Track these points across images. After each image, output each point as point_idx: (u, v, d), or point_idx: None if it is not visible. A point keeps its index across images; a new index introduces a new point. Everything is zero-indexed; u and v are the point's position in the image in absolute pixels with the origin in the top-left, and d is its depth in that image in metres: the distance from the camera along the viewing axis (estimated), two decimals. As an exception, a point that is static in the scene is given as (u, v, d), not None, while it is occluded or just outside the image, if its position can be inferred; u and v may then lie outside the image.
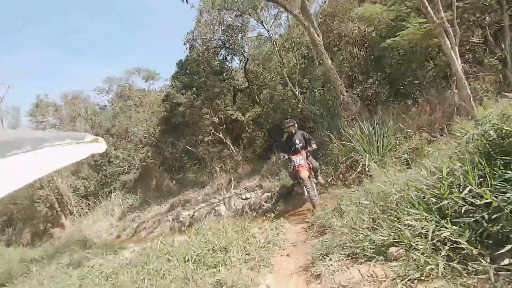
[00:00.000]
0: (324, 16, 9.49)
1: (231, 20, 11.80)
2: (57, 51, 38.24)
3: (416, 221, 1.85)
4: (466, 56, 6.97)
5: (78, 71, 38.06)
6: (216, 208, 7.55)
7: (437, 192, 1.94)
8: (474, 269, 1.39)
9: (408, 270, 1.56)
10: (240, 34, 12.28)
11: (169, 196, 11.34)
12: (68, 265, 4.53)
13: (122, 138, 15.55)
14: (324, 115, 7.33)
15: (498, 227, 1.44)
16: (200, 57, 11.50)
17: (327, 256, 2.13)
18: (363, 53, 8.36)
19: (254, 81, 12.51)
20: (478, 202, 1.61)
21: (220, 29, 12.10)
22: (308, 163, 4.79)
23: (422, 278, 1.49)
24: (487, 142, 1.98)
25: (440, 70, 6.37)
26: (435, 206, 1.86)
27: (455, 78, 5.07)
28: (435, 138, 4.81)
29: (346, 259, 1.99)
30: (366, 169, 4.61)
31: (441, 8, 4.67)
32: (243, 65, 12.65)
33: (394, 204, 2.18)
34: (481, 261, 1.40)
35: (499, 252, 1.35)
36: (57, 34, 37.44)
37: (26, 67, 34.98)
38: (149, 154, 14.27)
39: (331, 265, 1.99)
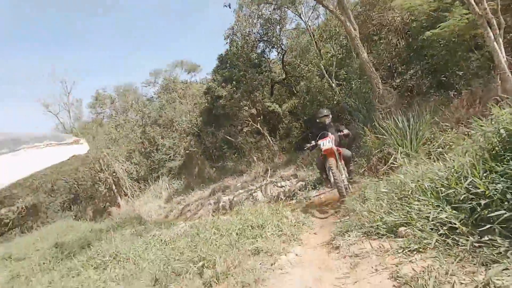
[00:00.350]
0: (364, 6, 9.35)
1: (269, 14, 12.10)
2: (113, 47, 41.79)
3: (424, 206, 2.17)
4: (519, 45, 6.53)
5: (130, 64, 41.30)
6: (253, 194, 8.16)
7: (447, 182, 2.23)
8: (462, 244, 1.71)
9: (410, 244, 1.91)
10: (278, 27, 12.56)
11: (210, 182, 12.27)
12: (132, 234, 5.46)
13: (168, 128, 16.92)
14: (360, 108, 7.43)
15: (487, 211, 1.73)
16: (239, 51, 12.03)
17: (347, 233, 2.53)
18: (403, 43, 8.17)
19: (291, 72, 12.77)
20: (475, 191, 1.90)
21: (258, 22, 12.48)
22: (337, 148, 4.36)
23: (420, 249, 1.84)
24: (498, 139, 2.20)
25: (485, 60, 6.10)
26: (442, 195, 2.16)
27: (499, 70, 4.92)
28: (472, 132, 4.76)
29: (362, 236, 2.38)
30: (397, 162, 4.75)
31: (484, -2, 4.56)
32: (281, 57, 12.95)
33: (409, 192, 2.49)
34: (469, 238, 1.71)
35: (481, 229, 1.66)
36: (111, 31, 40.79)
37: (87, 62, 38.89)
38: (192, 143, 15.36)
39: (349, 239, 2.39)
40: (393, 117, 5.55)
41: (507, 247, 1.49)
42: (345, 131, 4.71)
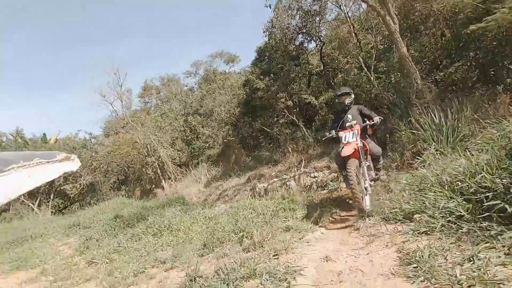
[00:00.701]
0: (408, -5, 9.01)
1: (309, 5, 12.11)
2: (159, 37, 44.37)
3: (438, 197, 2.44)
4: None
5: (174, 54, 43.59)
6: (287, 183, 8.58)
7: (463, 177, 2.46)
8: (464, 228, 1.99)
9: (420, 227, 2.23)
10: (318, 18, 12.52)
11: (246, 170, 12.90)
12: (179, 211, 6.24)
13: (208, 117, 17.89)
14: (398, 102, 7.39)
15: (491, 202, 1.99)
16: (278, 44, 12.28)
17: (368, 218, 2.88)
18: (449, 34, 7.82)
19: (330, 63, 12.74)
20: (485, 185, 2.14)
21: (298, 14, 12.55)
22: (362, 143, 3.44)
23: (428, 232, 2.15)
24: (517, 139, 2.37)
25: (540, 54, 5.73)
26: (457, 187, 2.41)
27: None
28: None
29: (381, 221, 2.71)
30: (428, 158, 4.82)
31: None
32: (320, 48, 12.94)
33: (429, 185, 2.74)
34: (471, 224, 1.99)
35: (480, 216, 1.93)
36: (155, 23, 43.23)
37: (135, 54, 41.89)
38: (230, 132, 16.12)
39: (369, 223, 2.74)
40: (430, 112, 5.55)
41: (499, 231, 1.76)
42: (375, 118, 3.64)
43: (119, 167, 19.86)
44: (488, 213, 1.90)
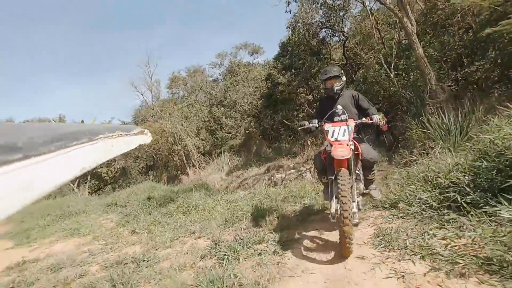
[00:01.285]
0: (432, -8, 9.01)
1: (333, 1, 12.25)
2: (187, 28, 45.62)
3: (420, 190, 2.94)
4: None
5: (200, 45, 44.75)
6: (303, 174, 9.14)
7: (441, 174, 2.93)
8: (428, 214, 2.50)
9: (398, 213, 2.75)
10: (341, 13, 12.64)
11: (266, 161, 13.54)
12: (204, 195, 7.03)
13: (231, 108, 18.64)
14: (414, 101, 7.62)
15: (449, 194, 2.48)
16: (301, 39, 12.61)
17: (362, 206, 3.42)
18: (471, 34, 7.83)
19: (352, 58, 12.89)
20: (456, 181, 2.62)
21: (321, 10, 12.75)
22: (355, 144, 2.60)
23: (403, 217, 2.68)
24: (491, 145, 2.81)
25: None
26: (435, 183, 2.90)
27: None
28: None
29: (371, 208, 3.25)
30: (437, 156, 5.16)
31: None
32: (343, 43, 13.09)
33: (415, 180, 3.23)
34: (436, 211, 2.50)
35: (443, 205, 2.43)
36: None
37: (166, 44, 43.47)
38: (252, 124, 16.78)
39: (362, 209, 3.29)
40: (440, 112, 5.83)
41: (452, 217, 2.27)
42: (374, 117, 2.69)
43: (148, 153, 21.30)
44: (448, 203, 2.40)
